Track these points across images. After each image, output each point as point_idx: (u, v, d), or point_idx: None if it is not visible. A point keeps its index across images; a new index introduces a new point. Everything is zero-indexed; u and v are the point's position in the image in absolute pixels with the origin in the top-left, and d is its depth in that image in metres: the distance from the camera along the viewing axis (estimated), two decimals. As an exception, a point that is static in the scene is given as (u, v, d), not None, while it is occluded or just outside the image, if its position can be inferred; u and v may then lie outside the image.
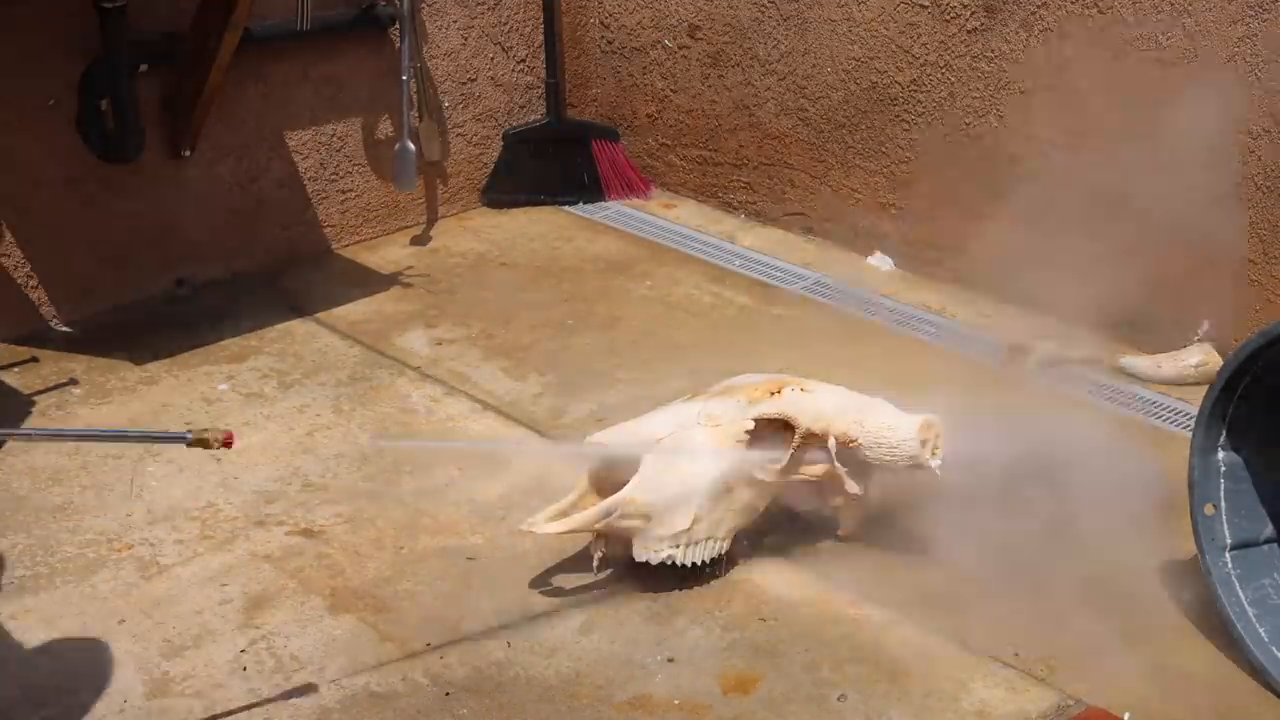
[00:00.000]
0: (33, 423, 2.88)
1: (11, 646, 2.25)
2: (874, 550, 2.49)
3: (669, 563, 2.34)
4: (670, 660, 2.23)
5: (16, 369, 3.08)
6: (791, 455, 2.38)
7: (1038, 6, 3.15)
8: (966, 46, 3.30)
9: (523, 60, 4.05)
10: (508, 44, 4.00)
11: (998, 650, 2.24)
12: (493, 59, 3.97)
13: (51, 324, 3.30)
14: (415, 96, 3.81)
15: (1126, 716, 2.08)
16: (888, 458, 2.37)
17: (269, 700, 2.14)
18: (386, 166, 3.77)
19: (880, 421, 2.38)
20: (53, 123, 3.19)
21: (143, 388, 3.02)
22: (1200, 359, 3.02)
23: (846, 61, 3.54)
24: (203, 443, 1.73)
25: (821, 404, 2.41)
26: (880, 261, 3.61)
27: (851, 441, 2.38)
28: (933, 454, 2.36)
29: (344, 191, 3.76)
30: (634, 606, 2.35)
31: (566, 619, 2.32)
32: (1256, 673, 2.16)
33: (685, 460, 2.35)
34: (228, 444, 1.75)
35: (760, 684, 2.17)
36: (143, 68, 3.23)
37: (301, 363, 3.13)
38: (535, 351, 3.21)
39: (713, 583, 2.41)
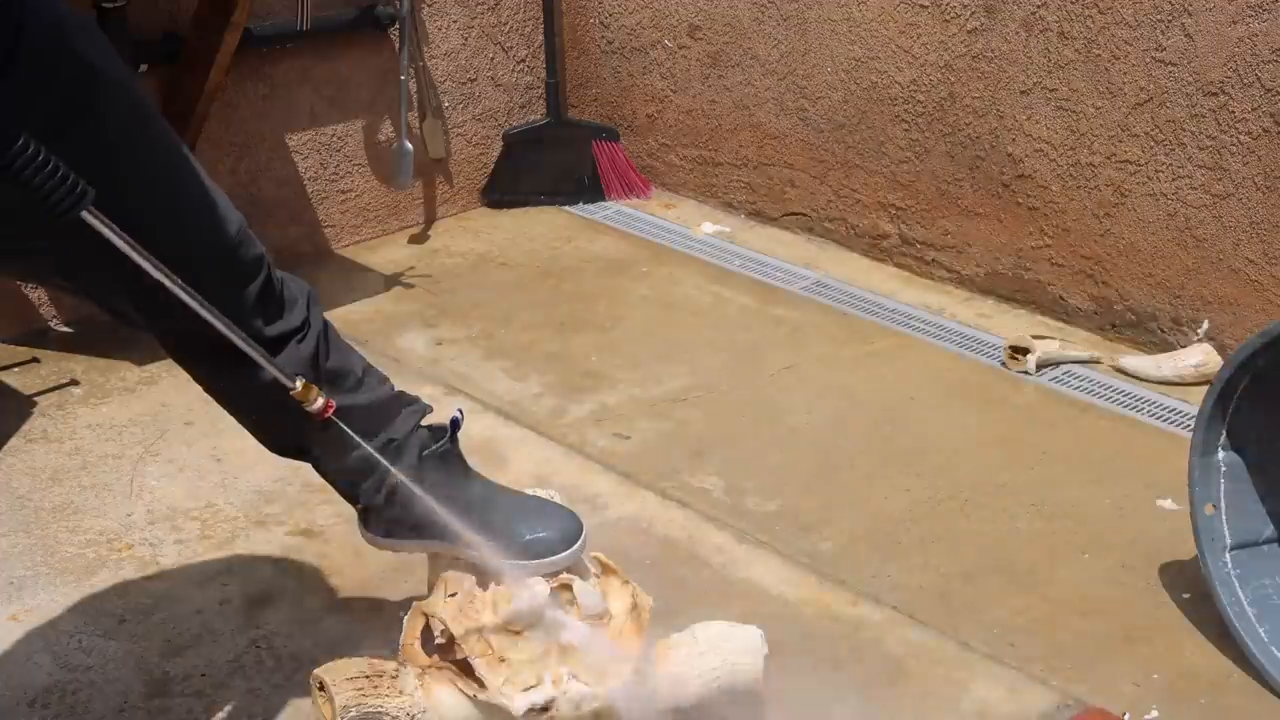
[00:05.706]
0: (34, 422, 2.88)
1: (12, 646, 2.25)
2: (874, 550, 2.49)
3: None
4: (670, 660, 2.22)
5: (16, 369, 3.08)
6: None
7: (1037, 6, 3.14)
8: (966, 46, 3.30)
9: (523, 60, 4.05)
10: (508, 44, 4.00)
11: (998, 650, 2.24)
12: (493, 59, 3.97)
13: (51, 324, 3.30)
14: (415, 96, 3.81)
15: (1126, 716, 2.08)
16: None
17: (269, 700, 2.14)
18: (385, 166, 3.77)
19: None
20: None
21: (143, 388, 3.02)
22: (1200, 359, 3.02)
23: (846, 61, 3.54)
24: (304, 398, 1.71)
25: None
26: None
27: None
28: None
29: (344, 191, 3.76)
30: (634, 606, 2.35)
31: (566, 619, 2.32)
32: (1256, 673, 2.16)
33: None
34: (322, 414, 1.72)
35: (760, 684, 2.17)
36: (143, 68, 3.22)
37: (301, 363, 3.12)
38: (535, 351, 3.21)
39: (713, 583, 2.41)
